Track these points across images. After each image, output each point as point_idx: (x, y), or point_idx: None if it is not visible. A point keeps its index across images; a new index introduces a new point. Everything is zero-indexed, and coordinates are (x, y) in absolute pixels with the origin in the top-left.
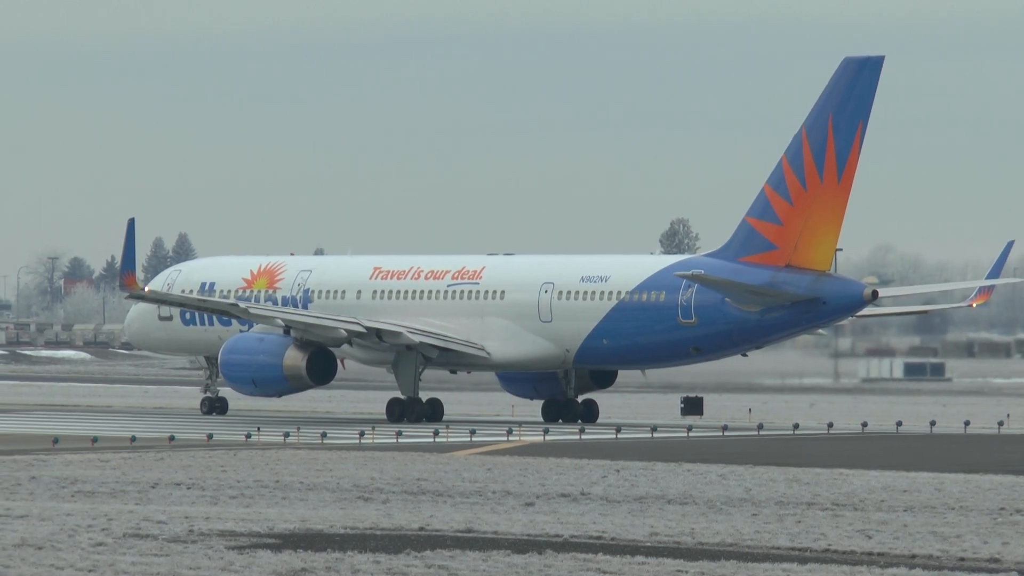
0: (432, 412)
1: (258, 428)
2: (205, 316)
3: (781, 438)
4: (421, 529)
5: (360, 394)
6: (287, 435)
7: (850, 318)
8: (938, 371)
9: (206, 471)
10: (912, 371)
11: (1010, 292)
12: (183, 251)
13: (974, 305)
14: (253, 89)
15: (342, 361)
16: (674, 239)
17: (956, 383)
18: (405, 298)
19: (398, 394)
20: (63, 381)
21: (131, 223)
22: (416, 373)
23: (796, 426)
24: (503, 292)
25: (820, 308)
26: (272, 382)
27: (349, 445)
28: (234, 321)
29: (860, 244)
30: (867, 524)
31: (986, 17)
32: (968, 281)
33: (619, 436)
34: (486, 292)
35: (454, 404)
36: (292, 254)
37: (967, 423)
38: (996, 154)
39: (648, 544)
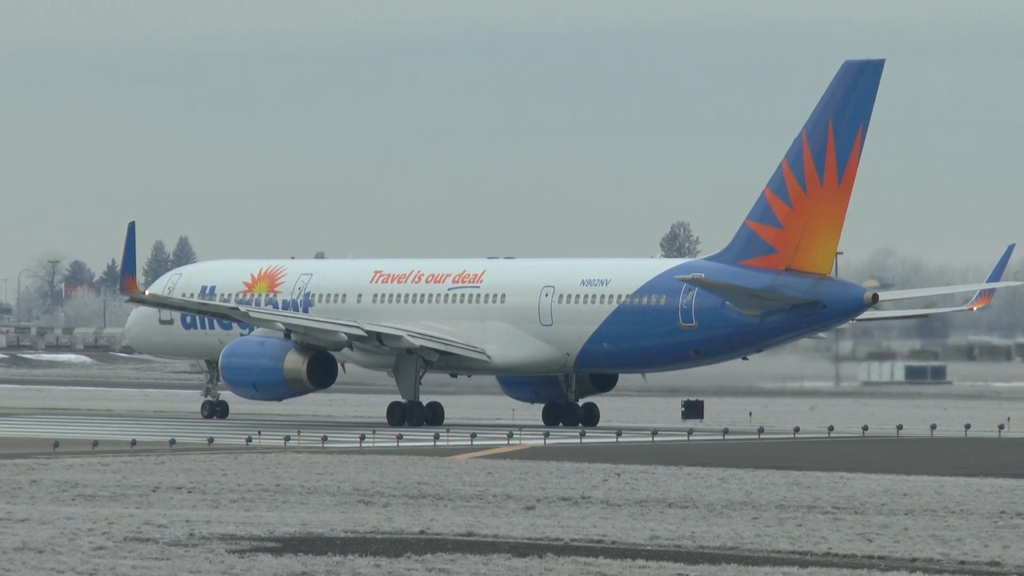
0: (433, 416)
1: (259, 432)
2: (206, 320)
3: (782, 442)
4: (422, 533)
5: (361, 398)
6: (288, 439)
7: (850, 321)
8: (939, 374)
9: (207, 475)
10: (913, 374)
11: (1011, 295)
12: (184, 255)
13: (975, 309)
14: (254, 93)
15: (343, 365)
16: (675, 242)
17: (957, 386)
18: (406, 302)
19: (399, 398)
20: (64, 385)
21: (132, 227)
22: (417, 377)
23: (797, 429)
24: (504, 296)
25: (820, 311)
26: (273, 386)
27: (350, 449)
28: (235, 325)
29: (860, 247)
30: (868, 527)
31: (987, 21)
32: (969, 284)
33: (620, 440)
34: (487, 296)
35: (454, 408)
36: (293, 258)
37: (968, 426)
38: (997, 157)
39: (649, 547)
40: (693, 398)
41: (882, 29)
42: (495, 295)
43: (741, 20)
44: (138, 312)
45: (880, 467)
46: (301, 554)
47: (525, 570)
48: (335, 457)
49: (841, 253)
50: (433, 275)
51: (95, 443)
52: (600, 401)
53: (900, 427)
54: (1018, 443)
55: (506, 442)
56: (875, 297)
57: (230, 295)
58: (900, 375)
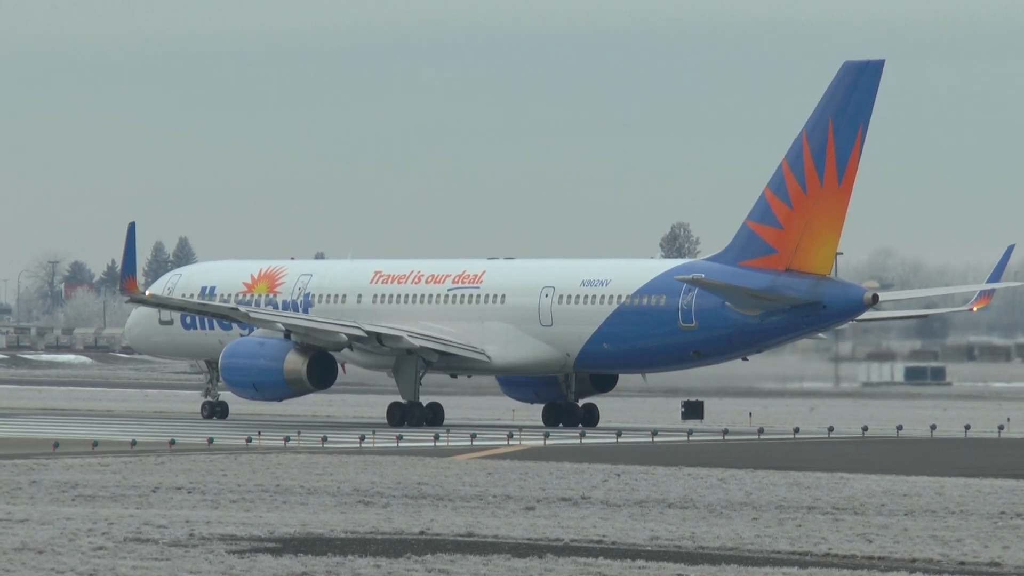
0: (432, 416)
1: (259, 432)
2: (206, 320)
3: (781, 442)
4: (422, 533)
5: (361, 398)
6: (288, 439)
7: (850, 322)
8: (938, 375)
9: (207, 475)
10: (912, 375)
11: (1010, 296)
12: (184, 255)
13: (975, 309)
14: (253, 93)
15: (343, 365)
16: (675, 243)
17: (956, 387)
18: (405, 302)
19: (399, 398)
20: (63, 385)
21: (132, 227)
22: (417, 377)
23: (796, 430)
24: (504, 296)
25: (820, 312)
26: (273, 386)
27: (350, 449)
28: (234, 325)
29: (860, 248)
30: (867, 528)
31: (987, 21)
32: (969, 285)
33: (620, 440)
34: (487, 296)
35: (454, 408)
36: (293, 258)
37: (967, 427)
38: (997, 158)
39: (649, 548)
40: (693, 398)
41: (882, 29)
42: (495, 295)
43: (741, 20)
44: (138, 312)
45: (880, 467)
46: (301, 554)
47: (525, 570)
48: (335, 457)
49: (841, 253)
50: (433, 275)
51: (95, 443)
52: (600, 401)
53: (900, 427)
54: (1018, 443)
55: (506, 442)
56: (875, 297)
57: (230, 295)
58: (900, 376)
